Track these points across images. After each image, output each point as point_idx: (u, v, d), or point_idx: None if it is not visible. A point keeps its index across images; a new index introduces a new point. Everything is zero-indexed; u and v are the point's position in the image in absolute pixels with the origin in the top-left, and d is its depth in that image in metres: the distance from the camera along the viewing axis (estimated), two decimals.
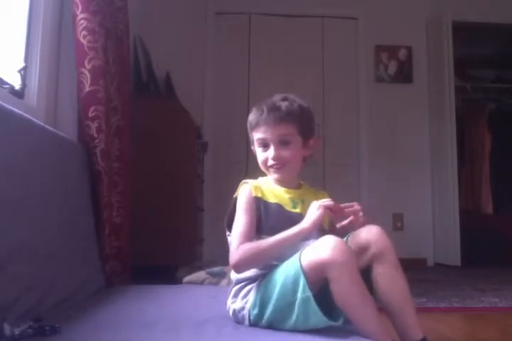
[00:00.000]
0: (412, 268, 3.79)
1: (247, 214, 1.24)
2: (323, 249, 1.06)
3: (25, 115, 1.34)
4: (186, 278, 2.03)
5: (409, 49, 4.38)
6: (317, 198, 1.30)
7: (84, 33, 1.70)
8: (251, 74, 4.19)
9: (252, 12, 4.27)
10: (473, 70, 4.72)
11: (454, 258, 3.93)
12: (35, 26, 1.74)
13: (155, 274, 2.08)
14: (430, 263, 4.22)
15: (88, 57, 1.70)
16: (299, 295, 1.07)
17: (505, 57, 4.75)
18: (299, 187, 1.35)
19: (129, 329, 1.10)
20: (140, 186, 2.15)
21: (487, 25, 4.28)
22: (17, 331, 0.96)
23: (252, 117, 1.31)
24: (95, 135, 1.72)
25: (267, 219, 1.25)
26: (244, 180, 1.33)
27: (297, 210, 1.28)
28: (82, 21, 1.70)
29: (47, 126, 1.54)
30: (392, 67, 4.37)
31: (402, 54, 4.38)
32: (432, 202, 4.28)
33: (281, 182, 1.33)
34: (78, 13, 1.70)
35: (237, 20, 4.26)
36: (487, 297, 2.62)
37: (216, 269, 2.02)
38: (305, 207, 1.28)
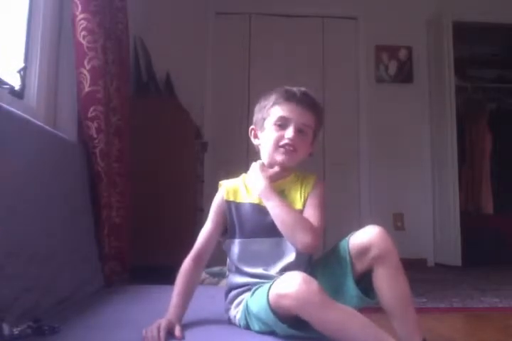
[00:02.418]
0: (412, 268, 3.79)
1: (211, 222, 1.26)
2: (288, 293, 0.98)
3: (25, 115, 1.34)
4: None
5: (409, 49, 4.38)
6: (302, 185, 1.26)
7: (83, 33, 1.70)
8: (251, 74, 4.20)
9: (253, 12, 4.27)
10: (473, 70, 4.71)
11: (454, 258, 3.93)
12: (35, 26, 1.73)
13: (155, 274, 2.08)
14: (430, 263, 4.22)
15: (88, 57, 1.70)
16: (274, 326, 1.04)
17: (505, 57, 4.75)
18: (282, 178, 1.28)
19: (128, 330, 1.10)
20: (140, 186, 2.15)
21: (487, 25, 4.28)
22: (16, 331, 0.96)
23: (278, 94, 1.26)
24: (95, 135, 1.72)
25: (242, 221, 1.23)
26: (221, 181, 1.31)
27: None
28: (82, 21, 1.70)
29: (46, 127, 1.54)
30: (393, 67, 4.37)
31: (402, 54, 4.38)
32: (432, 202, 4.28)
33: (271, 173, 1.26)
34: (78, 13, 1.70)
35: (237, 20, 4.26)
36: (487, 297, 2.62)
37: (215, 269, 2.02)
38: (286, 196, 1.24)
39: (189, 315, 1.22)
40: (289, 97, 1.25)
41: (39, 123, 1.46)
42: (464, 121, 4.42)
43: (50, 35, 1.79)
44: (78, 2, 1.70)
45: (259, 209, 1.22)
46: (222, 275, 1.98)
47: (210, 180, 3.73)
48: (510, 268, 3.72)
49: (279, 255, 1.20)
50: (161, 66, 3.34)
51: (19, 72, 1.62)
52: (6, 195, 1.13)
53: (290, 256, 1.20)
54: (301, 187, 1.26)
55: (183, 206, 2.65)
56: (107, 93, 1.78)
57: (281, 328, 1.03)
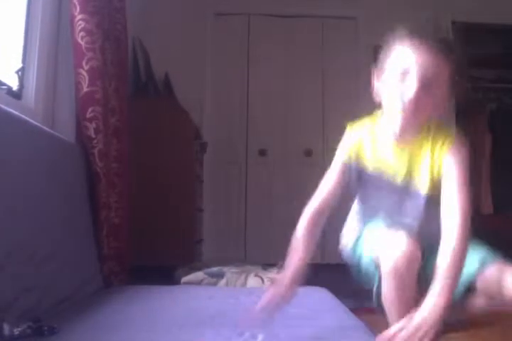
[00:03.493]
0: None
1: (336, 174, 1.16)
2: (387, 261, 1.01)
3: (23, 116, 1.34)
4: (184, 279, 2.03)
5: None
6: (433, 143, 1.04)
7: (82, 33, 1.70)
8: (250, 75, 4.19)
9: (252, 13, 4.27)
10: (474, 70, 4.71)
11: None
12: (33, 27, 1.74)
13: (154, 275, 2.08)
14: None
15: (86, 58, 1.70)
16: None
17: (505, 57, 4.75)
18: (412, 134, 1.08)
19: (127, 330, 1.10)
20: (139, 186, 2.15)
21: (487, 25, 4.28)
22: (16, 331, 0.96)
23: (407, 31, 1.06)
24: (93, 136, 1.72)
25: (363, 190, 1.16)
26: (350, 125, 1.19)
27: (399, 179, 1.10)
28: (80, 22, 1.70)
29: (44, 128, 1.54)
30: None
31: None
32: None
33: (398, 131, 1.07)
34: (76, 14, 1.70)
35: (236, 20, 4.26)
36: None
37: (214, 269, 2.02)
38: (412, 165, 1.08)
39: (188, 316, 1.23)
40: (415, 38, 1.03)
41: (37, 124, 1.47)
42: (464, 121, 4.41)
43: (48, 35, 1.79)
44: (76, 3, 1.70)
45: (383, 181, 1.11)
46: (220, 276, 1.98)
47: (210, 181, 3.74)
48: None
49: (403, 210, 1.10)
50: (159, 66, 3.34)
51: (17, 72, 1.63)
52: (4, 195, 1.13)
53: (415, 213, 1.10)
54: (432, 147, 1.07)
55: (183, 206, 2.65)
56: (105, 94, 1.78)
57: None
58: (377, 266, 1.06)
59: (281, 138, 4.08)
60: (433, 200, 1.07)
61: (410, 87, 1.00)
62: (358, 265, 1.17)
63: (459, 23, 4.12)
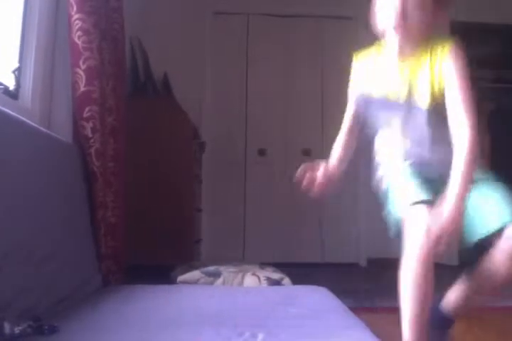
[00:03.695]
0: None
1: (352, 105, 1.33)
2: (411, 238, 1.10)
3: (20, 117, 1.34)
4: (180, 278, 2.02)
5: None
6: (432, 53, 1.15)
7: (79, 33, 1.70)
8: (249, 75, 4.19)
9: (251, 12, 4.27)
10: (473, 70, 4.70)
11: (451, 257, 3.91)
12: (30, 26, 1.73)
13: (152, 274, 2.07)
14: None
15: (83, 57, 1.70)
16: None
17: (505, 57, 4.74)
18: (412, 49, 1.19)
19: (127, 329, 1.10)
20: (138, 186, 2.15)
21: (487, 25, 4.28)
22: (17, 330, 0.96)
23: None
24: (90, 135, 1.72)
25: (372, 116, 1.27)
26: (356, 55, 1.32)
27: (401, 99, 1.20)
28: (77, 22, 1.70)
29: (41, 128, 1.54)
30: None
31: None
32: None
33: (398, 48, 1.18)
34: (73, 13, 1.70)
35: (235, 20, 4.26)
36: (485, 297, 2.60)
37: (211, 269, 2.02)
38: (412, 79, 1.17)
39: (187, 315, 1.22)
40: None
41: (33, 124, 1.46)
42: None
43: (45, 35, 1.79)
44: (73, 2, 1.69)
45: (388, 104, 1.22)
46: (217, 275, 1.98)
47: (209, 181, 3.74)
48: None
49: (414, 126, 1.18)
50: (158, 66, 3.34)
51: (14, 72, 1.62)
52: (4, 196, 1.13)
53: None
54: (431, 56, 1.19)
55: (181, 206, 2.65)
56: (102, 93, 1.78)
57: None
58: (402, 230, 1.14)
59: (280, 138, 4.08)
60: (437, 113, 1.15)
61: (390, 13, 1.14)
62: (388, 211, 1.26)
63: (459, 23, 4.12)
